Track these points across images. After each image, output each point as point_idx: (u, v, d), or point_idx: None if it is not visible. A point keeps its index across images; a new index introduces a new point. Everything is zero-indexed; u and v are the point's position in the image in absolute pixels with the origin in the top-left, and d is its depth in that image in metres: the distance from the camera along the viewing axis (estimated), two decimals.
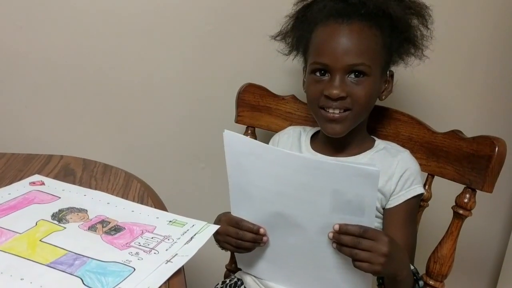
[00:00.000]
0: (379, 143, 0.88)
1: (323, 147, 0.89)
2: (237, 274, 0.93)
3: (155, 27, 1.11)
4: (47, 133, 1.13)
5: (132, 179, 0.88)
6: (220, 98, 1.15)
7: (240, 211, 0.76)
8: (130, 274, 0.55)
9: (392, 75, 0.87)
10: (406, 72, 0.91)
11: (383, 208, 0.83)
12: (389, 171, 0.82)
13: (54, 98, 1.12)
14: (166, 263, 0.58)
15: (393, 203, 0.82)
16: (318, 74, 0.81)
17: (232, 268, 1.06)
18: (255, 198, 0.73)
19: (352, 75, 0.78)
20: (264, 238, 0.74)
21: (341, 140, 0.85)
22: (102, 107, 1.14)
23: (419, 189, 0.83)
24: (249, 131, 1.05)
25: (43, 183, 0.80)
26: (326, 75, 0.80)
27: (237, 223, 0.75)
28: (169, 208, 0.77)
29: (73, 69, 1.11)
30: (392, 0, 0.80)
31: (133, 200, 0.77)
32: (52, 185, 0.80)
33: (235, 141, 0.71)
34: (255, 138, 1.05)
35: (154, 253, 0.60)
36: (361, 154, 0.86)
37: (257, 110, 1.04)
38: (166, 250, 0.61)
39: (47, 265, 0.56)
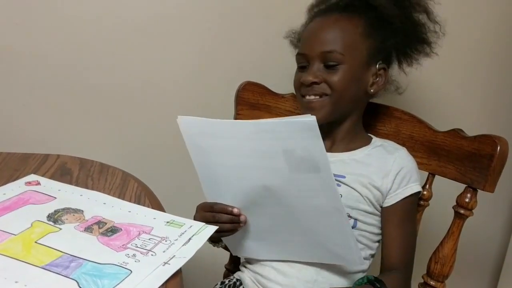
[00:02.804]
0: (376, 140, 0.88)
1: None
2: (236, 275, 0.92)
3: (154, 26, 1.10)
4: (44, 132, 1.13)
5: (129, 178, 0.87)
6: (219, 96, 1.15)
7: (213, 196, 0.76)
8: (126, 277, 0.54)
9: (384, 69, 0.85)
10: (407, 70, 0.90)
11: (381, 207, 0.83)
12: (385, 168, 0.82)
13: (51, 97, 1.11)
14: (163, 265, 0.57)
15: (390, 201, 0.82)
16: (300, 65, 0.86)
17: (232, 267, 1.05)
18: (221, 178, 0.73)
19: (328, 63, 0.81)
20: (242, 217, 0.74)
21: (336, 136, 0.86)
22: (100, 106, 1.13)
23: (416, 187, 0.82)
24: None
25: (38, 183, 0.79)
26: (307, 66, 0.83)
27: (212, 207, 0.75)
28: (166, 209, 0.76)
29: (70, 68, 1.10)
30: None
31: (130, 200, 0.76)
32: (48, 185, 0.78)
33: (190, 124, 0.71)
34: None
35: (151, 254, 0.59)
36: (357, 150, 0.86)
37: (257, 109, 1.03)
38: (164, 251, 0.60)
39: (42, 267, 0.55)
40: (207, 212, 0.76)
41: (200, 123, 0.70)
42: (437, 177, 0.87)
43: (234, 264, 1.05)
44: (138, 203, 0.75)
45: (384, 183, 0.81)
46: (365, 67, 0.83)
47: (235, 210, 0.74)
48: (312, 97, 0.82)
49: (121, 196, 0.78)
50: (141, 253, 0.60)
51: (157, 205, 0.76)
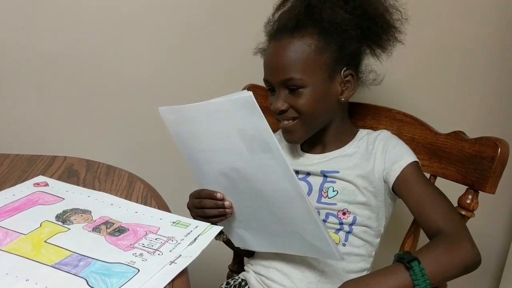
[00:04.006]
0: (361, 131, 0.90)
1: (311, 147, 0.91)
2: (241, 275, 0.93)
3: (156, 28, 1.12)
4: (51, 134, 1.14)
5: (135, 180, 0.88)
6: None
7: (201, 182, 0.78)
8: (134, 275, 0.55)
9: (351, 75, 0.84)
10: (407, 73, 0.91)
11: (393, 190, 0.83)
12: (372, 151, 0.84)
13: (57, 99, 1.12)
14: (170, 264, 0.58)
15: (392, 178, 0.81)
16: (269, 88, 0.86)
17: (235, 268, 1.06)
18: (201, 164, 0.74)
19: (291, 88, 0.81)
20: (226, 203, 0.76)
21: (325, 140, 0.88)
22: (105, 108, 1.15)
23: (409, 158, 0.82)
24: None
25: (47, 184, 0.80)
26: (274, 90, 0.84)
27: (199, 193, 0.78)
28: (172, 209, 0.77)
29: (76, 70, 1.11)
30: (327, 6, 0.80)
31: (137, 201, 0.78)
32: (56, 186, 0.80)
33: (170, 113, 0.72)
34: None
35: (158, 254, 0.61)
36: (346, 145, 0.87)
37: None
38: (170, 251, 0.61)
39: (52, 266, 0.56)
40: (196, 199, 0.78)
41: (176, 111, 0.71)
42: (438, 179, 0.88)
43: (238, 265, 1.06)
44: (145, 204, 0.76)
45: (375, 165, 0.82)
46: (329, 81, 0.82)
47: (219, 195, 0.75)
48: (286, 122, 0.84)
49: (128, 197, 0.79)
50: (148, 252, 0.61)
51: (163, 206, 0.78)
